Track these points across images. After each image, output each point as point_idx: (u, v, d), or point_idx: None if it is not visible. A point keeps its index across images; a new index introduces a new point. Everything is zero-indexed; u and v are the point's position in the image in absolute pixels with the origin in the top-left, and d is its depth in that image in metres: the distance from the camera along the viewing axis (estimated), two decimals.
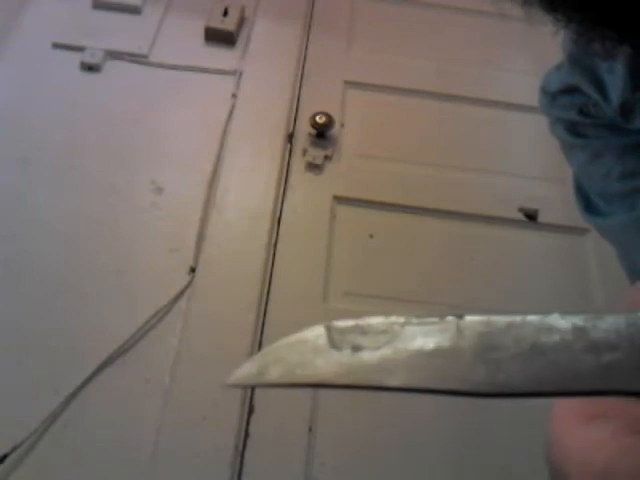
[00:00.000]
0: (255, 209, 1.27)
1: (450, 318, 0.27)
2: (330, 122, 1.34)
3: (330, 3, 1.65)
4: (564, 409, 0.33)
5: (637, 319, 0.25)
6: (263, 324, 1.14)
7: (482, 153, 1.44)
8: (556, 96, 0.69)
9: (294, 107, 1.44)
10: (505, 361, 0.25)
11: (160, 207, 1.26)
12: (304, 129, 1.38)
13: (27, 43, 1.47)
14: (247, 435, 1.03)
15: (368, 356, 0.27)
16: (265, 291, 1.18)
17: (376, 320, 0.29)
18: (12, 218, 1.22)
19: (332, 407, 1.08)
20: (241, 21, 1.55)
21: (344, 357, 0.27)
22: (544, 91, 0.72)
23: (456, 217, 1.32)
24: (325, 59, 1.54)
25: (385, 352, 0.27)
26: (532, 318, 0.26)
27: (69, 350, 1.07)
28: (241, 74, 1.47)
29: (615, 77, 0.56)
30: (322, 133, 1.36)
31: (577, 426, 0.31)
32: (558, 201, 1.32)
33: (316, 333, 0.29)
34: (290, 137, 1.38)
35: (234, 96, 1.43)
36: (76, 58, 1.44)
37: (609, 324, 0.25)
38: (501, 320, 0.27)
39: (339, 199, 1.31)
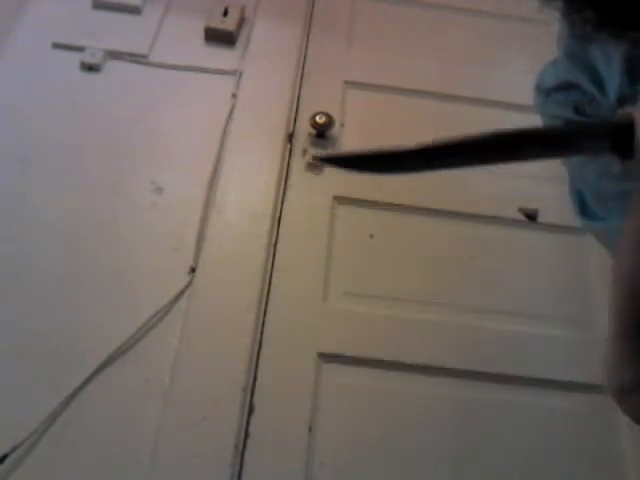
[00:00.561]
0: (255, 209, 1.27)
1: None
2: (330, 122, 1.34)
3: (330, 3, 1.65)
4: None
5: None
6: (263, 324, 1.14)
7: None
8: (550, 92, 0.68)
9: (294, 107, 1.44)
10: None
11: (160, 207, 1.26)
12: (304, 129, 1.38)
13: (27, 43, 1.47)
14: (247, 435, 1.03)
15: None
16: (265, 291, 1.18)
17: None
18: (12, 218, 1.22)
19: (332, 407, 1.08)
20: (241, 21, 1.55)
21: None
22: (538, 89, 0.71)
23: (456, 217, 1.31)
24: (325, 59, 1.54)
25: None
26: None
27: (69, 350, 1.07)
28: (241, 74, 1.47)
29: (612, 71, 0.56)
30: (322, 133, 1.36)
31: None
32: (558, 201, 1.32)
33: None
34: (290, 137, 1.38)
35: (234, 96, 1.43)
36: (76, 58, 1.44)
37: None
38: None
39: (339, 199, 1.31)
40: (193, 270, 1.18)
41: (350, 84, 1.50)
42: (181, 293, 1.15)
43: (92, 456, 0.99)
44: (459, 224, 1.31)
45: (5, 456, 0.95)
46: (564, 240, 1.30)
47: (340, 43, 1.57)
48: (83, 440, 1.00)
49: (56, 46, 1.47)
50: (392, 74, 1.52)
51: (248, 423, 1.04)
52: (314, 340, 1.14)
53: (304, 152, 1.35)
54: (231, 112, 1.40)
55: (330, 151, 1.36)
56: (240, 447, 1.02)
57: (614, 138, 0.22)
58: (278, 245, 1.24)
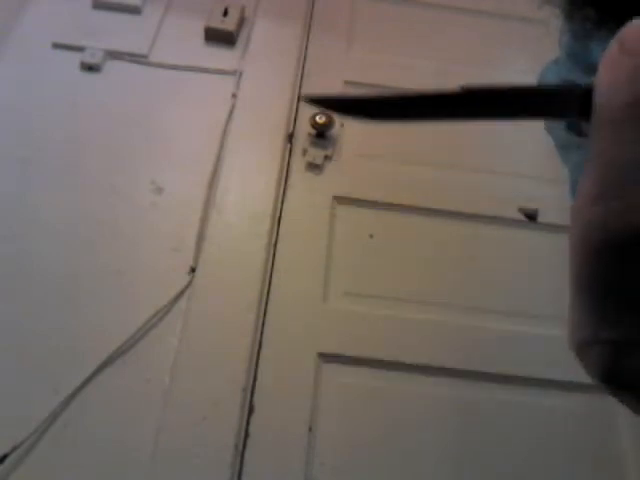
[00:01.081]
0: (255, 209, 1.27)
1: None
2: (330, 122, 1.34)
3: (330, 3, 1.65)
4: None
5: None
6: (263, 324, 1.14)
7: (482, 153, 1.44)
8: None
9: (294, 107, 1.44)
10: None
11: (160, 207, 1.26)
12: (304, 129, 1.38)
13: (27, 43, 1.47)
14: (247, 435, 1.03)
15: None
16: (265, 291, 1.18)
17: None
18: (12, 218, 1.22)
19: (332, 407, 1.08)
20: (241, 21, 1.55)
21: None
22: None
23: (456, 217, 1.31)
24: (325, 59, 1.54)
25: None
26: None
27: (69, 350, 1.07)
28: (241, 74, 1.47)
29: None
30: (322, 133, 1.36)
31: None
32: (558, 201, 1.32)
33: None
34: (290, 137, 1.38)
35: (234, 96, 1.43)
36: (76, 58, 1.44)
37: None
38: None
39: (339, 199, 1.31)
40: (193, 270, 1.18)
41: (350, 84, 1.49)
42: (181, 293, 1.15)
43: (92, 456, 0.99)
44: (459, 224, 1.31)
45: (5, 456, 0.95)
46: (564, 240, 1.29)
47: (340, 43, 1.57)
48: (83, 440, 1.00)
49: (56, 46, 1.47)
50: (392, 74, 1.52)
51: (248, 423, 1.04)
52: (314, 340, 1.14)
53: (304, 152, 1.35)
54: (231, 112, 1.40)
55: (330, 152, 1.36)
56: (240, 447, 1.02)
57: (582, 102, 0.22)
58: (278, 245, 1.24)
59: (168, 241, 1.22)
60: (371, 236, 1.28)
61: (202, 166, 1.31)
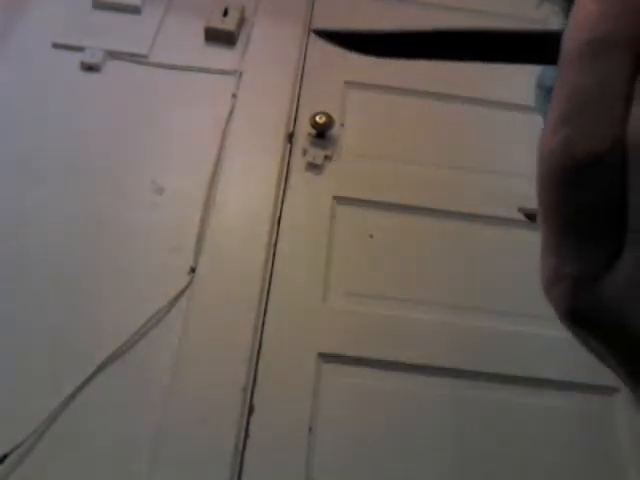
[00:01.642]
0: (255, 209, 1.27)
1: None
2: (330, 122, 1.34)
3: (330, 3, 1.65)
4: None
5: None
6: (263, 324, 1.14)
7: (482, 153, 1.44)
8: (551, 90, 0.68)
9: (294, 107, 1.44)
10: None
11: (160, 207, 1.26)
12: (304, 129, 1.38)
13: (27, 43, 1.47)
14: (247, 435, 1.03)
15: None
16: (265, 291, 1.18)
17: None
18: (12, 218, 1.22)
19: (332, 407, 1.08)
20: (241, 21, 1.55)
21: None
22: (539, 86, 0.71)
23: (456, 217, 1.31)
24: (325, 59, 1.53)
25: None
26: None
27: (69, 350, 1.07)
28: (241, 74, 1.47)
29: None
30: (322, 133, 1.36)
31: None
32: None
33: None
34: (290, 137, 1.38)
35: (234, 96, 1.43)
36: (76, 58, 1.44)
37: None
38: None
39: (339, 199, 1.31)
40: (193, 270, 1.18)
41: (350, 84, 1.49)
42: (181, 293, 1.15)
43: (92, 456, 0.99)
44: (459, 224, 1.31)
45: (5, 456, 0.95)
46: None
47: None
48: (83, 440, 1.00)
49: (56, 46, 1.47)
50: (392, 74, 1.52)
51: (248, 423, 1.04)
52: (314, 340, 1.14)
53: (304, 152, 1.35)
54: (231, 112, 1.40)
55: (330, 152, 1.36)
56: (240, 447, 1.02)
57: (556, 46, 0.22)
58: (278, 245, 1.24)
59: (168, 241, 1.22)
60: (371, 236, 1.27)
61: (202, 166, 1.31)
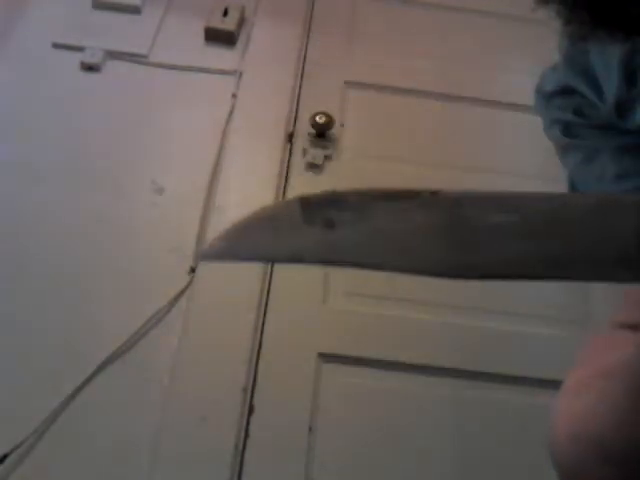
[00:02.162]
0: (255, 209, 1.27)
1: (424, 193, 0.27)
2: (330, 122, 1.34)
3: (330, 3, 1.65)
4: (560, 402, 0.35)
5: (603, 203, 0.24)
6: (263, 324, 1.14)
7: (482, 153, 1.44)
8: (551, 97, 0.69)
9: (294, 107, 1.44)
10: (473, 241, 0.25)
11: (160, 207, 1.26)
12: (304, 129, 1.38)
13: (27, 43, 1.47)
14: (247, 435, 1.03)
15: (340, 232, 0.26)
16: (265, 291, 1.18)
17: (350, 196, 0.28)
18: (12, 219, 1.22)
19: (332, 407, 1.08)
20: (241, 21, 1.55)
21: (317, 233, 0.27)
22: (539, 92, 0.72)
23: None
24: (325, 59, 1.53)
25: (357, 227, 0.26)
26: (504, 194, 0.26)
27: (69, 350, 1.07)
28: (241, 74, 1.47)
29: (610, 75, 0.56)
30: (322, 133, 1.36)
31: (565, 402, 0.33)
32: None
33: (290, 208, 0.28)
34: (290, 137, 1.38)
35: (234, 96, 1.43)
36: (76, 58, 1.44)
37: (575, 206, 0.24)
38: (474, 195, 0.27)
39: None
40: (193, 270, 1.18)
41: (350, 84, 1.49)
42: (181, 293, 1.15)
43: (92, 456, 0.99)
44: None
45: (5, 456, 0.95)
46: None
47: (340, 43, 1.57)
48: (83, 440, 1.00)
49: (56, 46, 1.46)
50: (392, 74, 1.52)
51: (248, 423, 1.04)
52: (314, 340, 1.14)
53: (304, 152, 1.35)
54: (231, 112, 1.40)
55: (330, 152, 1.35)
56: (240, 447, 1.02)
57: None
58: None
59: (168, 241, 1.21)
60: None
61: (202, 166, 1.31)
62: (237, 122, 1.39)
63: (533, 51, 1.53)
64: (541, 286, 1.26)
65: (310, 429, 1.05)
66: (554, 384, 1.20)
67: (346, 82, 1.49)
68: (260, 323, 1.14)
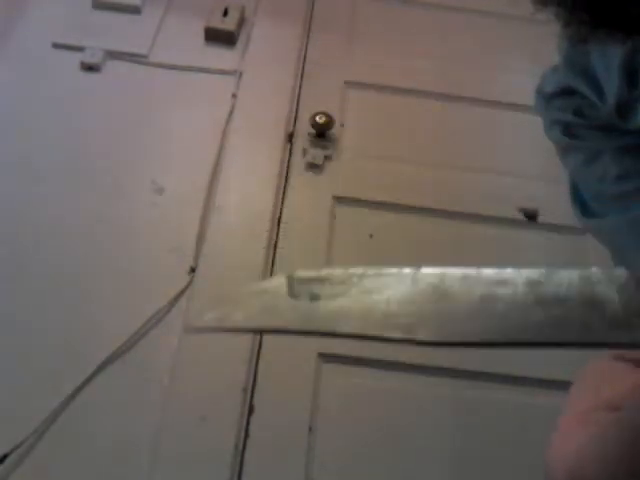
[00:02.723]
0: (255, 209, 1.27)
1: (407, 270, 0.28)
2: (330, 122, 1.34)
3: (330, 3, 1.65)
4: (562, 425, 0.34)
5: (589, 274, 0.25)
6: None
7: (482, 153, 1.44)
8: (551, 98, 0.69)
9: (294, 107, 1.44)
10: (456, 312, 0.26)
11: (160, 207, 1.26)
12: (304, 129, 1.38)
13: (27, 43, 1.47)
14: (247, 435, 1.03)
15: (324, 304, 0.28)
16: None
17: (335, 271, 0.29)
18: (12, 219, 1.22)
19: (332, 407, 1.08)
20: (241, 21, 1.55)
21: (302, 305, 0.28)
22: (539, 93, 0.72)
23: (456, 217, 1.31)
24: (325, 59, 1.53)
25: (341, 301, 0.27)
26: (487, 271, 0.27)
27: (69, 350, 1.07)
28: (241, 74, 1.47)
29: (611, 76, 0.56)
30: (322, 133, 1.36)
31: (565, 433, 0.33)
32: (558, 201, 1.31)
33: (278, 283, 0.29)
34: (290, 137, 1.38)
35: (234, 96, 1.43)
36: (76, 58, 1.44)
37: (561, 278, 0.25)
38: (456, 272, 0.27)
39: (339, 199, 1.31)
40: (193, 270, 1.18)
41: (350, 84, 1.49)
42: (181, 293, 1.15)
43: (92, 456, 0.99)
44: (459, 224, 1.31)
45: (5, 456, 0.95)
46: (564, 240, 1.30)
47: (340, 43, 1.57)
48: (83, 440, 1.00)
49: (56, 46, 1.46)
50: (392, 74, 1.52)
51: (248, 423, 1.04)
52: (314, 340, 1.14)
53: (304, 152, 1.35)
54: (231, 112, 1.40)
55: (330, 152, 1.35)
56: (240, 447, 1.02)
57: None
58: (278, 245, 1.24)
59: (168, 241, 1.21)
60: (371, 236, 1.27)
61: (202, 166, 1.31)
62: (237, 122, 1.39)
63: (533, 51, 1.53)
64: None
65: (310, 429, 1.05)
66: (554, 384, 1.21)
67: (346, 82, 1.49)
68: None
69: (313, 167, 1.34)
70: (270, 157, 1.34)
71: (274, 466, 1.02)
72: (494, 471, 1.06)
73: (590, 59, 0.59)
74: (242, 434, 1.03)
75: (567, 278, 0.26)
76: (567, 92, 0.66)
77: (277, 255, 1.22)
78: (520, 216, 1.33)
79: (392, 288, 0.27)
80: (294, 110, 1.43)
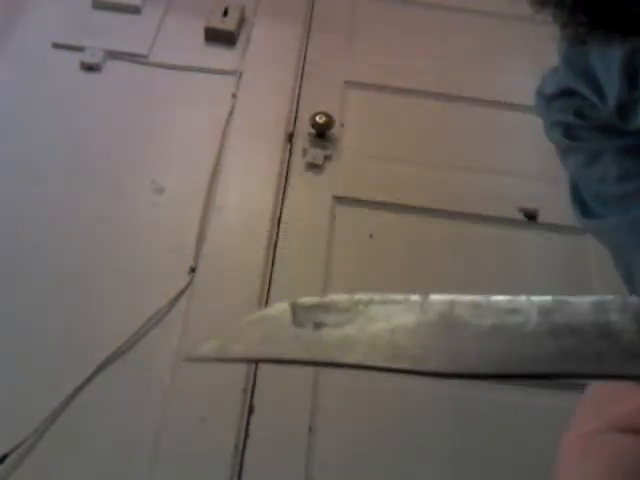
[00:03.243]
0: (255, 209, 1.27)
1: (415, 297, 0.28)
2: (330, 122, 1.34)
3: (330, 3, 1.65)
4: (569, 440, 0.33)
5: (603, 303, 0.25)
6: None
7: (482, 153, 1.44)
8: (552, 99, 0.69)
9: (294, 107, 1.44)
10: (466, 342, 0.25)
11: (160, 207, 1.26)
12: (304, 129, 1.38)
13: (27, 43, 1.47)
14: (247, 435, 1.03)
15: (329, 333, 0.27)
16: (265, 291, 1.18)
17: (340, 298, 0.29)
18: (12, 219, 1.22)
19: (332, 407, 1.08)
20: (241, 21, 1.55)
21: (305, 334, 0.27)
22: (540, 94, 0.72)
23: (456, 217, 1.31)
24: (325, 59, 1.53)
25: (346, 330, 0.27)
26: (498, 299, 0.27)
27: (69, 350, 1.07)
28: (241, 74, 1.47)
29: (611, 77, 0.56)
30: (322, 133, 1.36)
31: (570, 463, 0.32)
32: (558, 201, 1.31)
33: (280, 310, 0.29)
34: (290, 137, 1.38)
35: (234, 96, 1.43)
36: (76, 58, 1.44)
37: (574, 307, 0.25)
38: (465, 300, 0.27)
39: (339, 199, 1.31)
40: (193, 270, 1.18)
41: (350, 84, 1.49)
42: (181, 293, 1.15)
43: (92, 456, 0.99)
44: (459, 224, 1.31)
45: (5, 456, 0.95)
46: (564, 240, 1.30)
47: (340, 43, 1.57)
48: (83, 440, 1.00)
49: (56, 46, 1.46)
50: (392, 74, 1.52)
51: (248, 423, 1.04)
52: None
53: (304, 152, 1.35)
54: (231, 112, 1.40)
55: (330, 152, 1.35)
56: (240, 447, 1.02)
57: None
58: (278, 245, 1.24)
59: (168, 241, 1.21)
60: (371, 236, 1.27)
61: (202, 166, 1.31)
62: (237, 122, 1.39)
63: (533, 51, 1.53)
64: (541, 286, 1.26)
65: (310, 429, 1.05)
66: (554, 384, 1.21)
67: (346, 82, 1.49)
68: None
69: (313, 167, 1.34)
70: (270, 157, 1.34)
71: (274, 466, 1.02)
72: (494, 471, 1.06)
73: (590, 60, 0.59)
74: (242, 434, 1.03)
75: (580, 306, 0.25)
76: (567, 93, 0.66)
77: (277, 255, 1.22)
78: (520, 216, 1.33)
79: (400, 316, 0.27)
80: (294, 110, 1.43)
